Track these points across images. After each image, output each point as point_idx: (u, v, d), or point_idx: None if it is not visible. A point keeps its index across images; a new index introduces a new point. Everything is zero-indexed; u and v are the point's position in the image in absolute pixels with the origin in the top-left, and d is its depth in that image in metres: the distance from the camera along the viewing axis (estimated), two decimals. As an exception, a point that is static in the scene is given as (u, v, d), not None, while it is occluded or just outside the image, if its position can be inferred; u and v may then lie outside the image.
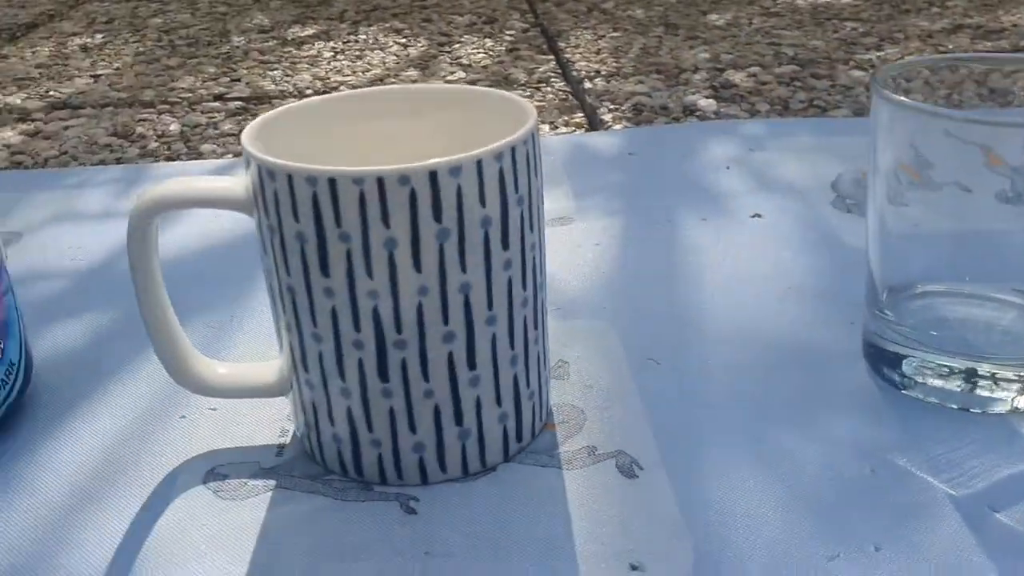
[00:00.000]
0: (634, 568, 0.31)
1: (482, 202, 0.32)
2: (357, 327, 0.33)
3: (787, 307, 0.46)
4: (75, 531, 0.34)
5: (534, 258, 0.35)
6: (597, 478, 0.35)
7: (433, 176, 0.31)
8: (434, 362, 0.34)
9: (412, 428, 0.34)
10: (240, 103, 0.86)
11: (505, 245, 0.33)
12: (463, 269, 0.32)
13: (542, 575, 0.31)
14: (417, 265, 0.32)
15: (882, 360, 0.40)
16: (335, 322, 0.33)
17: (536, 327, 0.36)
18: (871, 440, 0.37)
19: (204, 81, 0.94)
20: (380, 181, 0.30)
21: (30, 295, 0.51)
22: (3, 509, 0.35)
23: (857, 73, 0.86)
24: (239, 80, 0.93)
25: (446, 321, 0.33)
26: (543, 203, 0.35)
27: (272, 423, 0.39)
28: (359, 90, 0.39)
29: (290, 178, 0.31)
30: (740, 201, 0.58)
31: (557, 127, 0.76)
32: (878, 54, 0.92)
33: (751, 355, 0.42)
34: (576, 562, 0.32)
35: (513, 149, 0.32)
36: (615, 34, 1.03)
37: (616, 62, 0.93)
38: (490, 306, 0.34)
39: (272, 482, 0.36)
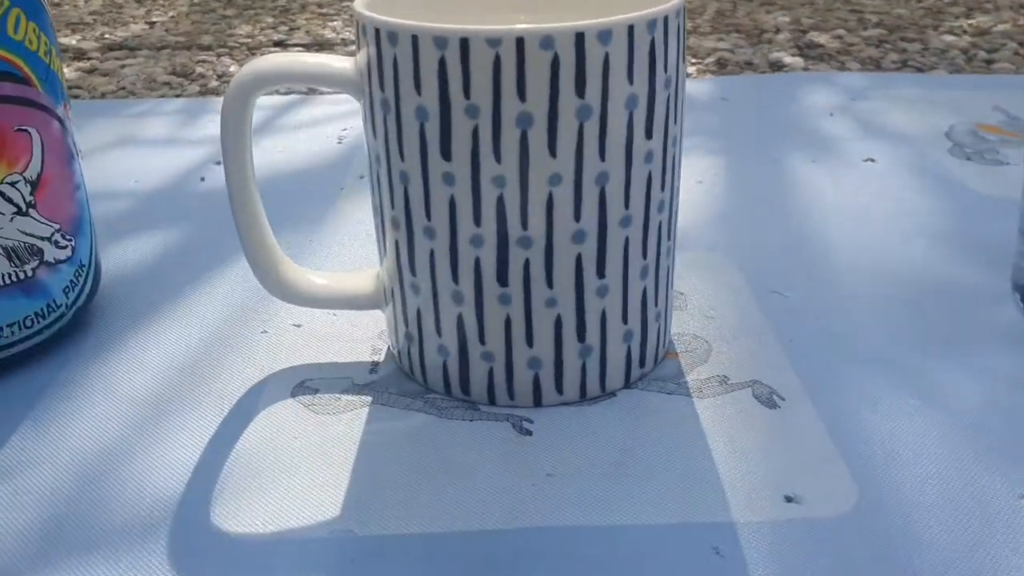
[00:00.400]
0: (789, 500, 0.27)
1: (630, 77, 0.28)
2: (477, 220, 0.29)
3: (916, 245, 0.42)
4: (150, 440, 0.31)
5: (674, 156, 0.31)
6: (733, 407, 0.32)
7: (580, 40, 0.27)
8: (560, 265, 0.30)
9: (529, 341, 0.31)
10: (301, 49, 0.83)
11: (648, 133, 0.29)
12: (602, 156, 0.29)
13: (685, 501, 0.27)
14: (552, 148, 0.28)
15: (1040, 298, 0.36)
16: (452, 214, 0.29)
17: (669, 238, 0.32)
18: (1039, 379, 0.33)
19: (263, 29, 0.90)
20: (520, 43, 0.27)
21: (94, 213, 0.47)
22: (72, 416, 0.32)
23: (949, 38, 0.81)
24: (298, 28, 0.90)
25: (577, 217, 0.29)
26: (685, 94, 0.32)
27: (363, 341, 0.36)
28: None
29: (415, 39, 0.27)
30: (850, 146, 0.54)
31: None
32: (969, 22, 0.87)
33: (885, 290, 0.38)
34: (722, 490, 0.28)
35: (666, 19, 0.28)
36: (687, -2, 0.99)
37: (692, 22, 0.88)
38: (627, 204, 0.30)
39: (368, 398, 0.32)
